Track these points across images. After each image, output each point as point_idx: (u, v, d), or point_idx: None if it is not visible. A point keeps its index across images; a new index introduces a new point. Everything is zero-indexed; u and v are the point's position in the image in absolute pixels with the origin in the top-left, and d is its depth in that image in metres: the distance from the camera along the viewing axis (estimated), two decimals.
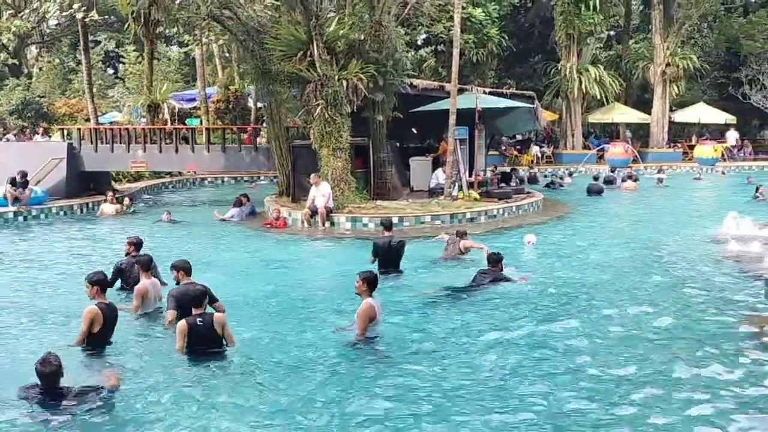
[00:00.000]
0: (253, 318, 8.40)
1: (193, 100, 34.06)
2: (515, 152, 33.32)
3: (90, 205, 18.66)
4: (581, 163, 31.50)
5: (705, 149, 32.31)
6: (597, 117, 36.48)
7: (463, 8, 24.83)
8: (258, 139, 22.83)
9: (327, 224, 15.00)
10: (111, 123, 30.15)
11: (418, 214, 15.24)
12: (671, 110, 36.35)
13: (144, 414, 5.77)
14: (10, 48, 37.60)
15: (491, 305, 8.85)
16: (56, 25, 37.37)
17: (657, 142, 35.07)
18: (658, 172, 27.80)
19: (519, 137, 35.38)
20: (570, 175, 28.15)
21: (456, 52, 17.46)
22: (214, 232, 15.35)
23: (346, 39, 16.51)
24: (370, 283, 7.50)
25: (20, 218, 16.82)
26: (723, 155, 32.52)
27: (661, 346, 7.22)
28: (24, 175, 17.47)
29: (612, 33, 42.37)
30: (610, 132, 39.83)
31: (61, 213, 17.91)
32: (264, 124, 22.50)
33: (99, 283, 7.32)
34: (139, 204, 20.11)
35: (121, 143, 20.57)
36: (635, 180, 24.39)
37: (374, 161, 17.64)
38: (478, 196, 17.20)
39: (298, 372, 6.63)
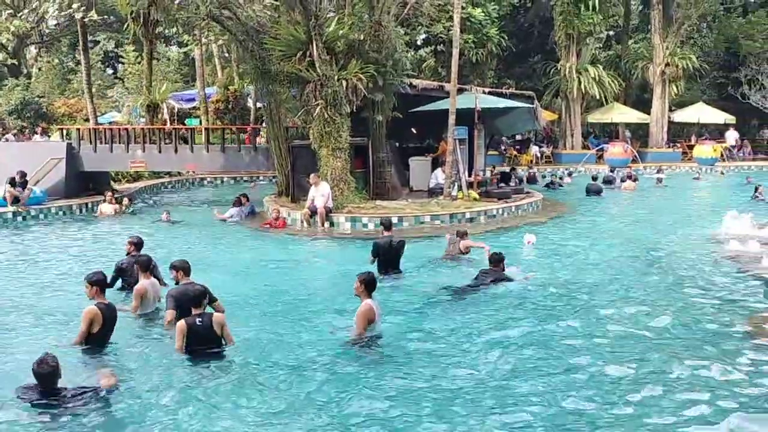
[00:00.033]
0: (252, 318, 8.40)
1: (193, 100, 34.08)
2: (514, 152, 33.35)
3: (89, 206, 18.65)
4: (580, 163, 31.51)
5: (704, 149, 32.32)
6: (596, 117, 36.49)
7: (463, 8, 24.83)
8: (257, 139, 22.83)
9: (326, 224, 14.99)
10: (110, 123, 30.16)
11: (418, 214, 15.23)
12: (670, 110, 36.37)
13: (143, 414, 5.77)
14: (9, 48, 37.60)
15: (491, 305, 8.85)
16: (55, 25, 37.39)
17: (656, 142, 35.09)
18: (658, 172, 27.82)
19: (518, 137, 35.42)
20: (569, 175, 28.16)
21: (455, 52, 17.46)
22: (213, 232, 15.35)
23: (346, 39, 16.50)
24: (368, 284, 7.50)
25: (19, 218, 16.82)
26: (722, 155, 32.53)
27: (660, 345, 7.22)
28: (23, 175, 17.47)
29: (611, 33, 42.39)
30: (610, 132, 39.87)
31: (60, 213, 17.90)
32: (263, 124, 22.50)
33: (98, 283, 7.32)
34: (138, 204, 20.11)
35: (120, 143, 20.57)
36: (634, 180, 24.40)
37: (374, 161, 17.63)
38: (477, 196, 17.20)
39: (297, 372, 6.63)
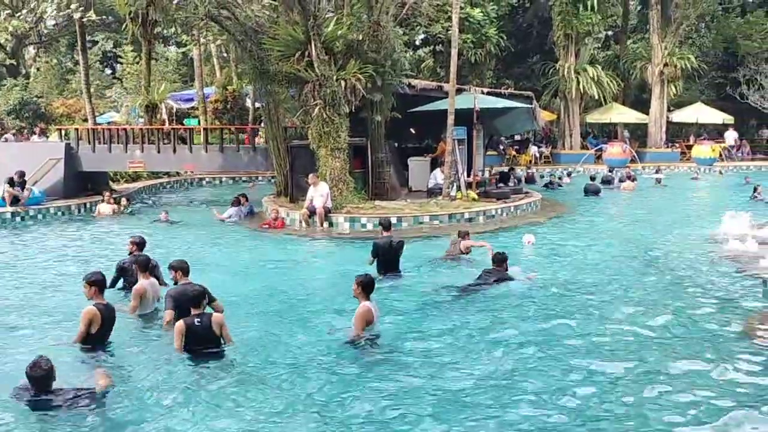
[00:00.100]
0: (251, 318, 8.39)
1: (191, 100, 34.08)
2: (513, 152, 33.36)
3: (87, 206, 18.63)
4: (579, 163, 31.52)
5: (703, 149, 32.36)
6: (595, 117, 36.52)
7: (462, 8, 24.84)
8: (256, 139, 22.83)
9: (325, 224, 14.99)
10: (109, 123, 30.17)
11: (417, 215, 15.23)
12: (669, 110, 36.41)
13: (141, 414, 5.76)
14: (7, 48, 37.59)
15: (491, 305, 8.84)
16: (54, 25, 37.35)
17: (655, 142, 35.12)
18: (656, 172, 27.86)
19: (517, 137, 35.44)
20: (568, 175, 28.18)
21: (454, 52, 17.46)
22: (212, 232, 15.34)
23: (345, 39, 16.50)
24: (365, 286, 7.49)
25: (18, 218, 16.80)
26: (721, 155, 32.56)
27: (658, 345, 7.22)
28: (22, 174, 17.46)
29: (610, 33, 42.43)
30: (608, 132, 39.92)
31: (59, 213, 17.89)
32: (262, 125, 22.50)
33: (97, 283, 7.31)
34: (136, 204, 20.09)
35: (118, 143, 20.55)
36: (633, 180, 24.42)
37: (372, 161, 17.63)
38: (476, 197, 17.20)
39: (296, 372, 6.63)
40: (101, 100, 37.42)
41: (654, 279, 10.31)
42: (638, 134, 37.97)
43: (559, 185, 24.89)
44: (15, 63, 37.77)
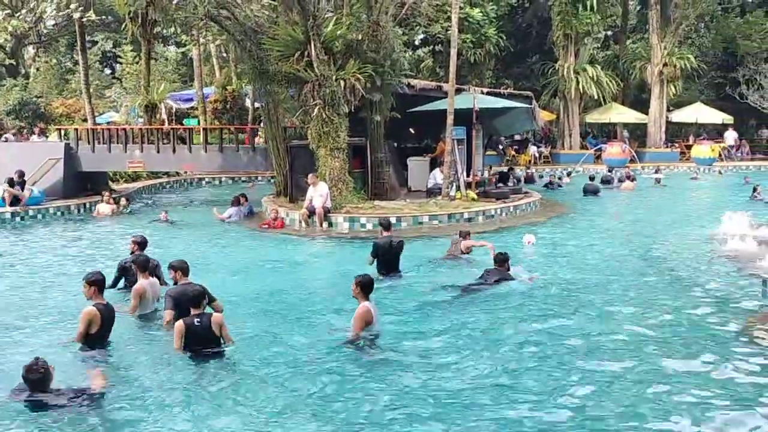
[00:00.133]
0: (250, 318, 8.39)
1: (191, 100, 34.08)
2: (513, 152, 33.37)
3: (87, 206, 18.62)
4: (579, 163, 31.53)
5: (702, 149, 32.38)
6: (594, 117, 36.53)
7: (461, 8, 24.84)
8: (255, 139, 22.83)
9: (325, 224, 14.99)
10: (108, 123, 30.17)
11: (416, 215, 15.23)
12: (668, 110, 36.43)
13: (141, 414, 5.75)
14: (7, 48, 37.58)
15: (491, 305, 8.85)
16: (53, 25, 37.34)
17: (654, 142, 35.14)
18: (656, 172, 27.88)
19: (517, 137, 35.45)
20: (568, 175, 28.18)
21: (453, 52, 17.45)
22: (211, 232, 15.34)
23: (344, 39, 16.50)
24: (364, 287, 7.50)
25: (17, 218, 16.80)
26: (720, 155, 32.57)
27: (658, 345, 7.22)
28: (21, 174, 17.46)
29: (609, 33, 42.44)
30: (608, 132, 39.93)
31: (58, 213, 17.88)
32: (261, 124, 22.50)
33: (96, 283, 7.30)
34: (137, 204, 20.09)
35: (118, 143, 20.54)
36: (633, 180, 24.43)
37: (372, 161, 17.63)
38: (475, 197, 17.21)
39: (295, 372, 6.63)
40: (101, 100, 37.42)
41: (653, 279, 10.31)
42: (638, 134, 37.98)
43: (559, 185, 24.90)
44: (14, 63, 37.77)
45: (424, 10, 23.05)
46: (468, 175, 18.38)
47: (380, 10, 16.72)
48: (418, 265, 11.10)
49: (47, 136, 26.36)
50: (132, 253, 9.63)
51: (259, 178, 27.16)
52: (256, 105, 26.95)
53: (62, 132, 22.41)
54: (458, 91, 18.40)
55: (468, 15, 31.03)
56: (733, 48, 37.92)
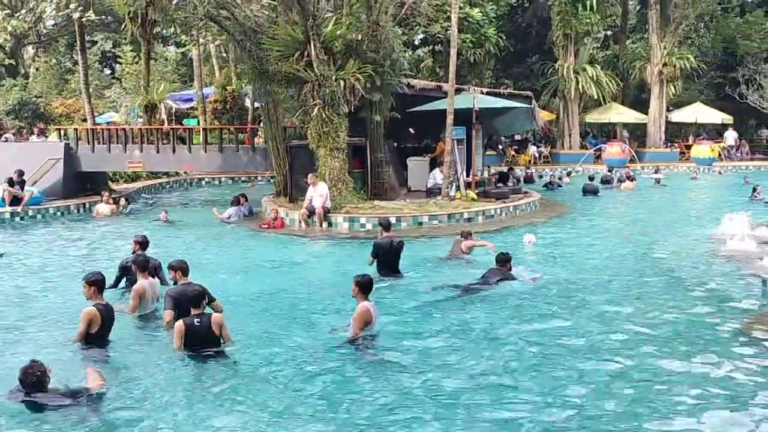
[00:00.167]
0: (250, 318, 8.39)
1: (190, 100, 34.07)
2: (513, 152, 33.37)
3: (87, 206, 18.61)
4: (578, 163, 31.53)
5: (702, 149, 32.39)
6: (594, 117, 36.54)
7: (461, 8, 24.83)
8: (255, 139, 22.82)
9: (324, 224, 14.99)
10: (108, 123, 30.15)
11: (416, 215, 15.23)
12: (668, 110, 36.44)
13: (141, 414, 5.75)
14: (6, 48, 37.57)
15: (491, 305, 8.85)
16: (53, 25, 37.35)
17: (654, 142, 35.14)
18: (655, 172, 27.88)
19: (517, 137, 35.46)
20: (568, 175, 28.18)
21: (453, 52, 17.45)
22: (211, 232, 15.34)
23: (344, 39, 16.49)
24: (363, 286, 7.50)
25: (17, 219, 16.78)
26: (720, 155, 32.58)
27: (657, 345, 7.22)
28: (21, 174, 17.45)
29: (609, 33, 42.45)
30: (608, 132, 39.93)
31: (58, 213, 17.87)
32: (261, 125, 22.50)
33: (96, 283, 7.30)
34: (137, 204, 20.09)
35: (118, 143, 20.53)
36: (632, 180, 24.43)
37: (372, 161, 17.62)
38: (475, 196, 17.21)
39: (295, 372, 6.63)
40: (100, 100, 37.41)
41: (653, 279, 10.32)
42: (637, 134, 37.99)
43: (559, 185, 24.89)
44: (14, 63, 37.77)
45: (424, 9, 23.02)
46: (468, 175, 18.38)
47: (380, 9, 16.72)
48: (418, 265, 11.10)
49: (47, 136, 26.36)
50: (134, 253, 9.63)
51: (259, 178, 27.15)
52: (256, 105, 26.93)
53: (62, 132, 22.41)
54: (458, 91, 18.40)
55: (468, 15, 31.02)
56: (732, 48, 37.93)
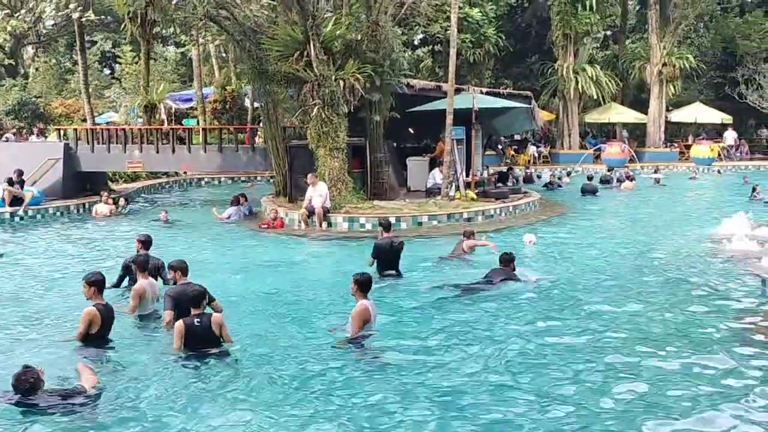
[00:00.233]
0: (250, 318, 8.39)
1: (190, 100, 34.07)
2: (512, 152, 33.38)
3: (86, 206, 18.61)
4: (578, 163, 31.54)
5: (701, 149, 32.39)
6: (594, 117, 36.55)
7: (460, 8, 24.83)
8: (255, 139, 22.82)
9: (324, 224, 14.99)
10: (107, 123, 30.15)
11: (416, 215, 15.23)
12: (668, 110, 36.45)
13: (140, 414, 5.75)
14: (6, 48, 37.56)
15: (491, 305, 8.84)
16: (53, 25, 37.36)
17: (654, 141, 35.16)
18: (655, 172, 27.90)
19: (516, 137, 35.47)
20: (568, 174, 28.19)
21: (453, 52, 17.45)
22: (211, 232, 15.34)
23: (343, 39, 16.50)
24: (362, 285, 7.50)
25: (17, 218, 16.78)
26: (719, 155, 32.59)
27: (656, 345, 7.22)
28: (20, 173, 17.45)
29: (608, 33, 42.47)
30: (607, 132, 39.95)
31: (58, 213, 17.87)
32: (261, 124, 22.51)
33: (96, 283, 7.30)
34: (137, 204, 20.08)
35: (117, 143, 20.53)
36: (632, 180, 24.44)
37: (371, 161, 17.62)
38: (475, 196, 17.21)
39: (295, 372, 6.62)
40: (100, 100, 37.42)
41: (653, 278, 10.32)
42: (637, 134, 38.00)
43: (559, 185, 24.89)
44: (14, 63, 37.77)
45: (424, 9, 23.02)
46: (467, 175, 18.38)
47: (379, 9, 16.72)
48: (419, 264, 11.10)
49: (46, 137, 26.36)
50: (138, 251, 9.65)
51: (259, 178, 27.15)
52: (256, 105, 26.94)
53: (61, 132, 22.41)
54: (457, 91, 18.40)
55: (467, 15, 31.02)
56: (732, 48, 37.95)
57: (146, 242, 9.72)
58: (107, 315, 7.22)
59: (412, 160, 20.11)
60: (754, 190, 20.01)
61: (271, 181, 21.44)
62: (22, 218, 16.88)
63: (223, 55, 35.56)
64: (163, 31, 32.93)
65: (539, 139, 37.24)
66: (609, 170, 27.17)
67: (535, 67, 38.18)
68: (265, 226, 15.45)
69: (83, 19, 23.30)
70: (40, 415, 5.61)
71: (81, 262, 11.93)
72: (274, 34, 16.48)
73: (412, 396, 6.02)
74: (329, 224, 15.06)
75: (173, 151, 20.44)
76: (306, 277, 11.07)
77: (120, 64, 37.69)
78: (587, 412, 5.67)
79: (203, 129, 23.24)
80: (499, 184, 20.30)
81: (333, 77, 15.73)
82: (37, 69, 41.92)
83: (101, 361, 6.94)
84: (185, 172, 26.78)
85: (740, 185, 23.43)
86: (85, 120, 27.36)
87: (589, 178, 23.59)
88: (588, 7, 32.24)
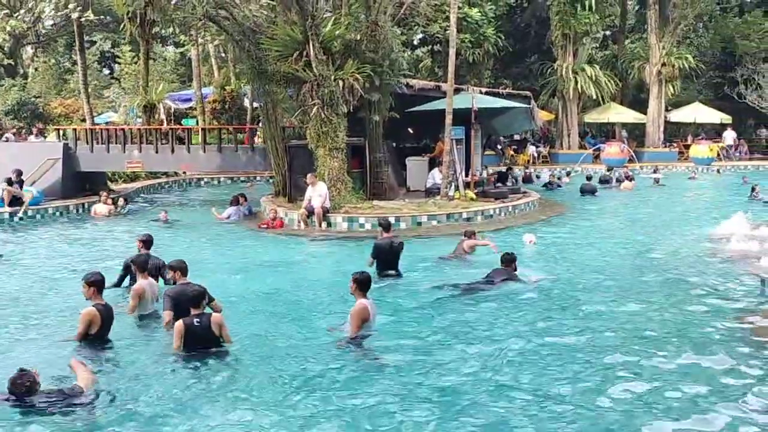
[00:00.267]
0: (249, 318, 8.39)
1: (189, 100, 34.06)
2: (512, 152, 33.39)
3: (85, 206, 18.60)
4: (577, 163, 31.55)
5: (700, 149, 32.42)
6: (593, 117, 36.56)
7: (459, 8, 24.83)
8: (254, 139, 22.81)
9: (324, 224, 14.99)
10: (107, 123, 30.14)
11: (415, 214, 15.23)
12: (667, 110, 36.45)
13: (139, 414, 5.75)
14: (5, 48, 37.52)
15: (491, 304, 8.84)
16: (52, 25, 37.34)
17: (653, 141, 35.16)
18: (654, 172, 27.91)
19: (516, 137, 35.48)
20: (568, 174, 28.20)
21: (452, 51, 17.45)
22: (210, 232, 15.34)
23: (342, 39, 16.49)
24: (361, 283, 7.51)
25: (16, 218, 16.77)
26: (719, 155, 32.60)
27: (656, 344, 7.22)
28: (19, 173, 17.44)
29: (608, 33, 42.48)
30: (606, 132, 39.95)
31: (57, 213, 17.86)
32: (260, 124, 22.51)
33: (96, 284, 7.30)
34: (136, 204, 20.07)
35: (116, 143, 20.52)
36: (631, 180, 24.45)
37: (371, 161, 17.62)
38: (474, 196, 17.21)
39: (293, 372, 6.62)
40: (99, 100, 37.41)
41: (652, 278, 10.33)
42: (636, 134, 38.01)
43: (559, 185, 24.89)
44: (13, 63, 37.73)
45: (423, 9, 23.02)
46: (467, 175, 18.38)
47: (379, 9, 16.72)
48: (418, 264, 11.10)
49: (45, 137, 26.35)
50: (139, 251, 9.65)
51: (258, 178, 27.15)
52: (255, 105, 26.94)
53: (61, 132, 22.39)
54: (457, 90, 18.40)
55: (466, 15, 31.03)
56: (731, 48, 37.96)
57: (147, 242, 9.72)
58: (107, 315, 7.22)
59: (412, 160, 20.12)
60: (753, 189, 20.03)
61: (271, 181, 21.44)
62: (21, 218, 16.86)
63: (223, 55, 35.55)
64: (163, 31, 32.88)
65: (538, 139, 37.25)
66: (608, 170, 27.18)
67: (535, 67, 38.18)
68: (265, 226, 15.45)
69: (82, 19, 23.31)
70: (38, 416, 5.60)
71: (80, 262, 11.91)
72: (273, 34, 16.48)
73: (412, 396, 6.02)
74: (329, 224, 15.06)
75: (172, 151, 20.43)
76: (306, 277, 11.07)
77: (119, 64, 37.66)
78: (586, 412, 5.67)
79: (202, 129, 23.24)
80: (499, 184, 20.29)
81: (332, 77, 15.72)
82: (36, 69, 41.89)
83: (101, 361, 6.93)
84: (184, 172, 26.77)
85: (739, 185, 23.44)
86: (84, 120, 27.36)
87: (588, 178, 23.59)
88: (587, 7, 32.24)
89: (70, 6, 21.60)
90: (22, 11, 27.46)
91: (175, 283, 8.02)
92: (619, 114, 36.14)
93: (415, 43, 38.33)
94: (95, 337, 7.15)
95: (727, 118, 36.26)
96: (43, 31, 40.25)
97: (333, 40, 16.16)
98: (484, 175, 21.32)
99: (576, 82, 33.05)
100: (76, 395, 5.80)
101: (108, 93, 38.46)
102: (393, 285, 9.90)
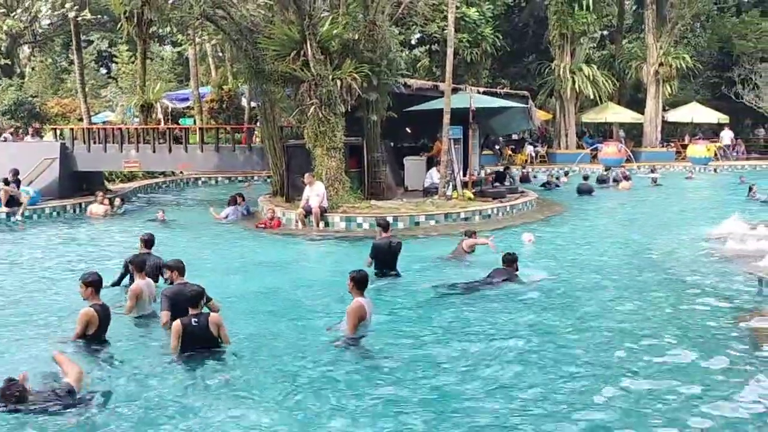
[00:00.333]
0: (247, 318, 8.37)
1: (187, 99, 34.01)
2: (509, 152, 33.40)
3: (83, 206, 18.57)
4: (575, 162, 31.57)
5: (698, 149, 32.46)
6: (590, 116, 36.59)
7: (457, 8, 24.84)
8: (252, 139, 22.77)
9: (321, 224, 14.97)
10: (104, 123, 30.08)
11: (413, 214, 15.23)
12: (664, 110, 36.48)
13: (137, 415, 5.73)
14: (2, 48, 37.40)
15: (490, 304, 8.83)
16: (49, 24, 37.26)
17: (650, 141, 35.20)
18: (652, 171, 27.94)
19: (514, 137, 35.49)
20: (566, 174, 28.22)
21: (450, 51, 17.45)
22: (208, 232, 15.32)
23: (340, 38, 16.47)
24: (358, 282, 7.51)
25: (12, 219, 16.70)
26: (716, 154, 32.63)
27: (655, 344, 7.22)
28: (16, 173, 17.39)
29: (605, 33, 42.52)
30: (604, 131, 39.99)
31: (54, 213, 17.83)
32: (258, 124, 22.49)
33: (93, 284, 7.28)
34: (134, 204, 20.04)
35: (114, 143, 20.48)
36: (629, 180, 24.47)
37: (368, 161, 17.60)
38: (472, 196, 17.21)
39: (292, 372, 6.61)
40: (96, 99, 37.29)
41: (650, 278, 10.33)
42: (633, 134, 38.06)
43: (557, 185, 24.91)
44: (10, 63, 37.61)
45: (421, 9, 22.99)
46: (464, 175, 18.38)
47: (376, 9, 16.71)
48: (417, 264, 11.09)
49: (42, 136, 26.28)
50: (140, 250, 9.64)
51: (256, 177, 27.12)
52: (253, 104, 26.90)
53: (58, 132, 22.33)
54: (455, 90, 18.39)
55: (464, 14, 31.03)
56: (728, 48, 38.00)
57: (148, 241, 9.71)
58: (104, 315, 7.20)
59: (410, 159, 20.10)
60: (750, 189, 20.06)
61: (269, 180, 21.43)
62: (17, 221, 16.77)
63: (220, 54, 35.47)
64: (160, 31, 32.89)
65: (536, 139, 37.28)
66: (606, 170, 27.20)
67: (532, 66, 38.18)
68: (263, 225, 15.43)
69: (79, 19, 23.22)
70: (34, 419, 5.57)
71: (77, 262, 11.90)
72: (270, 33, 16.46)
73: (411, 395, 6.01)
74: (326, 224, 15.04)
75: (170, 150, 20.40)
76: (303, 277, 11.05)
77: (116, 63, 37.54)
78: (586, 412, 5.66)
79: (200, 128, 23.20)
80: (497, 184, 20.31)
81: (330, 77, 15.71)
82: (33, 68, 41.76)
83: (98, 361, 6.92)
84: (182, 172, 26.74)
85: (737, 185, 23.46)
86: (81, 119, 27.28)
87: (585, 178, 23.60)
88: (585, 7, 32.24)
89: (67, 5, 21.52)
90: (18, 10, 27.37)
91: (172, 283, 7.99)
92: (616, 114, 36.17)
93: (413, 42, 38.30)
94: (92, 338, 7.13)
95: (724, 118, 36.30)
96: (40, 31, 40.15)
97: (331, 39, 16.14)
98: (482, 174, 21.33)
99: (573, 82, 33.07)
100: (69, 394, 5.76)
101: (105, 92, 38.31)
102: (391, 285, 9.89)
